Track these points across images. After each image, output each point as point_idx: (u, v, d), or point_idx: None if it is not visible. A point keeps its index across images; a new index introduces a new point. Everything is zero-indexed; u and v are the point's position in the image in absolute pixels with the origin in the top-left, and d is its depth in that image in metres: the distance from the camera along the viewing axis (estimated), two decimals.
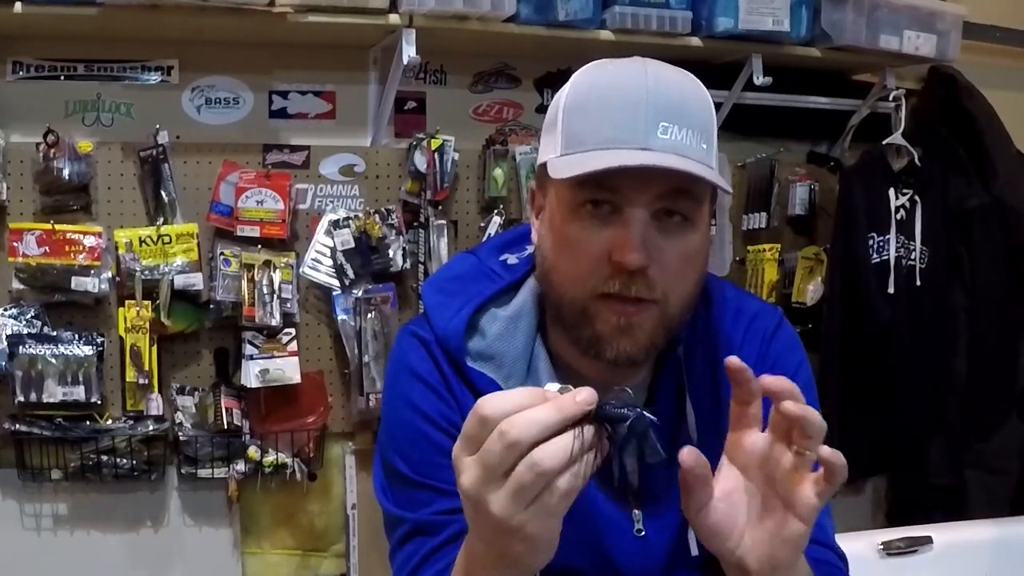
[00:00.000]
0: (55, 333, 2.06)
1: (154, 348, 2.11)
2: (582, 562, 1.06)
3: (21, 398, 2.02)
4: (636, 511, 1.07)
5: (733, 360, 0.85)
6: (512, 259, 1.13)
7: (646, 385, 1.09)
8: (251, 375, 2.14)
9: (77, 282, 2.05)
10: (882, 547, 1.89)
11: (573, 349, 1.03)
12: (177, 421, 2.15)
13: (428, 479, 1.05)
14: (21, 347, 2.02)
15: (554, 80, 2.51)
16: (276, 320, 2.16)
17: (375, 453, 1.15)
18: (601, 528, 1.07)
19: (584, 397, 0.76)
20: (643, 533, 1.07)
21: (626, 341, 0.98)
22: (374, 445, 2.37)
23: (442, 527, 1.03)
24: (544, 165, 1.01)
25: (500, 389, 1.04)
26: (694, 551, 1.07)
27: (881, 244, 2.56)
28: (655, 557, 1.07)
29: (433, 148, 2.27)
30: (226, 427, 2.14)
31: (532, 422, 0.75)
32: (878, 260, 2.55)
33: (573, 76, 1.01)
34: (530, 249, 1.12)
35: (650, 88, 0.95)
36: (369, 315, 2.23)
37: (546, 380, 1.06)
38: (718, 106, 2.43)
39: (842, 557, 1.13)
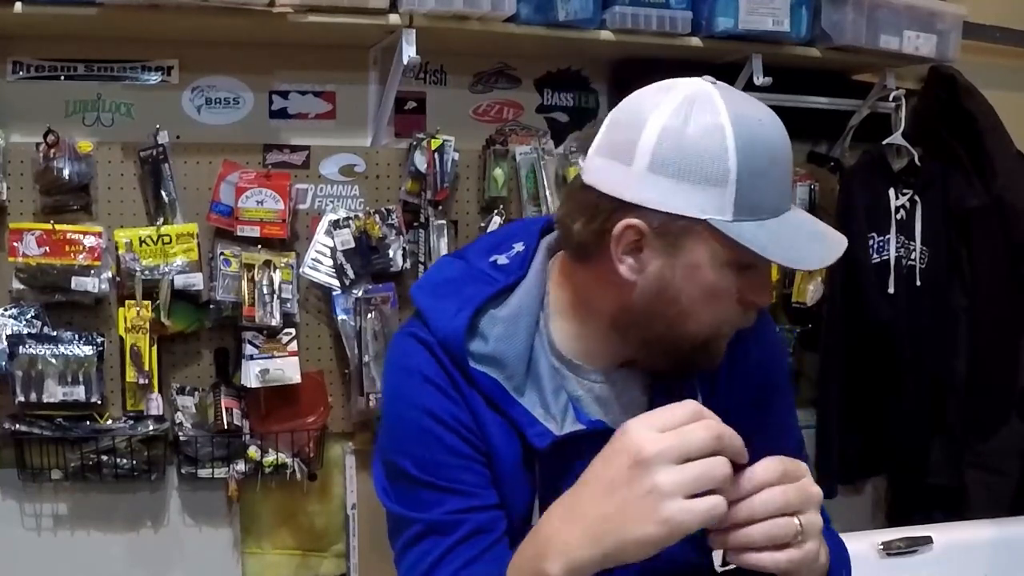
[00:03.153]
0: (55, 333, 2.06)
1: (154, 348, 2.11)
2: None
3: (21, 398, 2.02)
4: None
5: None
6: (502, 259, 1.14)
7: (646, 380, 1.14)
8: (251, 375, 2.14)
9: (77, 282, 2.05)
10: (882, 547, 1.89)
11: (600, 346, 1.09)
12: (177, 421, 2.15)
13: (438, 479, 1.06)
14: (21, 347, 2.02)
15: (554, 80, 2.51)
16: (276, 320, 2.16)
17: (374, 456, 1.15)
18: None
19: None
20: None
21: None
22: (374, 445, 2.38)
23: (455, 526, 1.05)
24: (683, 216, 0.99)
25: (504, 390, 1.07)
26: (717, 564, 1.11)
27: (881, 244, 2.56)
28: (668, 549, 1.09)
29: (433, 148, 2.27)
30: (226, 427, 2.14)
31: (736, 437, 0.89)
32: (878, 260, 2.55)
33: (730, 130, 0.98)
34: (518, 248, 1.14)
35: (787, 152, 1.03)
36: (369, 315, 2.23)
37: (547, 381, 1.09)
38: None
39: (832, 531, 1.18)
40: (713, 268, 1.01)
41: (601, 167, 1.04)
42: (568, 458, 1.06)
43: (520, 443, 1.08)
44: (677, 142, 0.98)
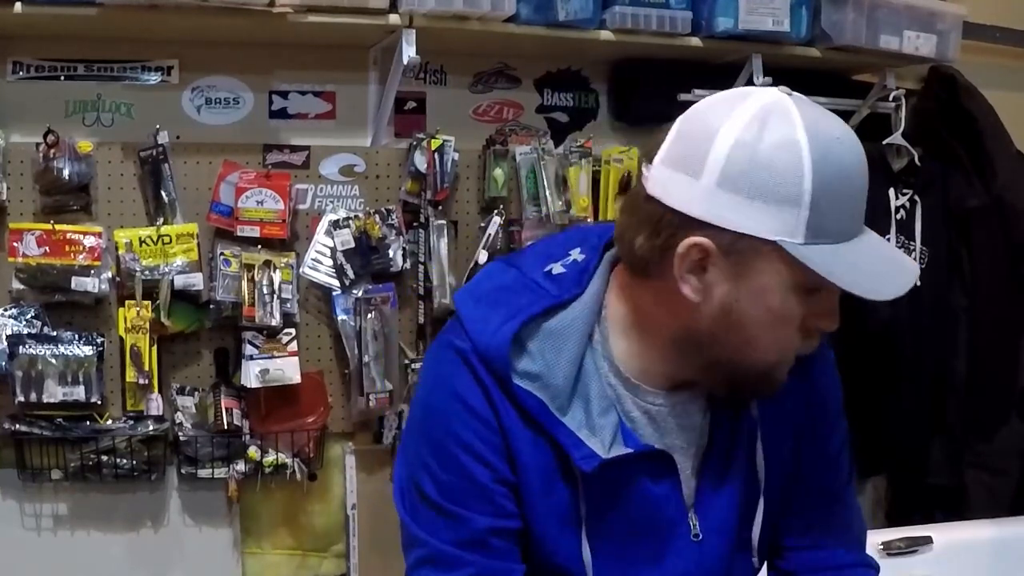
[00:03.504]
0: (55, 333, 2.06)
1: (154, 348, 2.10)
2: (640, 567, 1.08)
3: (21, 398, 2.02)
4: (693, 516, 1.10)
5: None
6: (558, 268, 1.07)
7: (703, 403, 1.10)
8: (251, 375, 2.14)
9: (77, 282, 2.05)
10: (882, 547, 1.89)
11: (662, 367, 1.05)
12: (177, 421, 2.15)
13: (454, 505, 1.03)
14: (21, 347, 2.02)
15: (554, 80, 2.51)
16: (276, 320, 2.16)
17: (398, 456, 1.12)
18: (658, 537, 1.08)
19: None
20: (700, 537, 1.09)
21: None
22: (374, 445, 2.39)
23: (455, 565, 1.02)
24: (754, 236, 0.94)
25: (547, 409, 1.02)
26: (756, 563, 1.13)
27: None
28: (711, 560, 1.10)
29: (433, 148, 2.27)
30: (226, 427, 2.14)
31: None
32: None
33: (807, 150, 0.93)
34: (575, 256, 1.08)
35: (863, 168, 0.98)
36: (369, 315, 2.23)
37: (595, 401, 1.04)
38: None
39: (875, 566, 1.19)
40: (780, 293, 0.96)
41: (667, 179, 0.97)
42: (614, 482, 1.04)
43: (557, 461, 1.04)
44: (750, 157, 0.93)
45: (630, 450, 1.03)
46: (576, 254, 1.08)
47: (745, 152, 0.93)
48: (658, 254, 0.98)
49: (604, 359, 1.05)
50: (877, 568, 1.19)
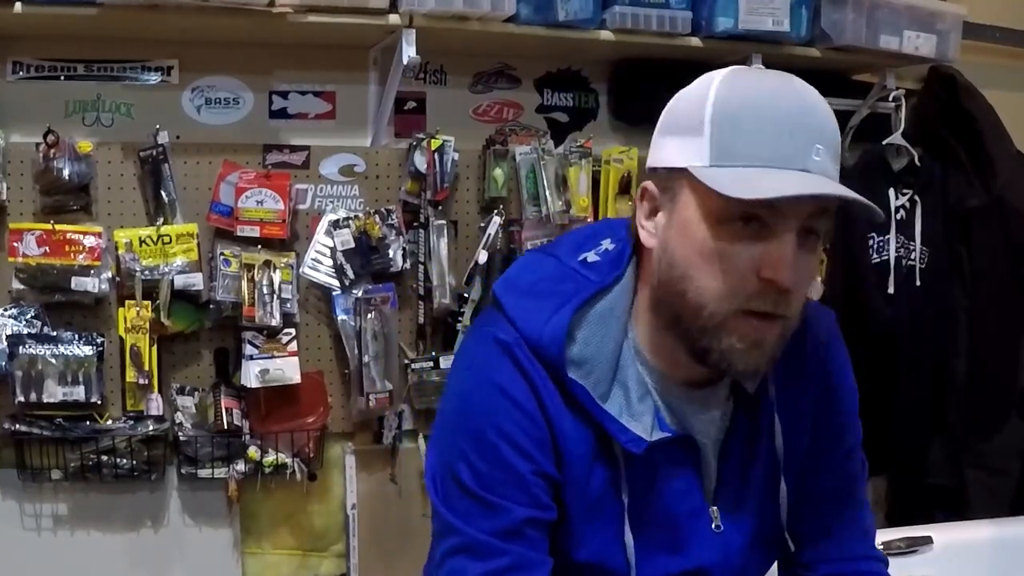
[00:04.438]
0: (55, 333, 2.06)
1: (154, 348, 2.11)
2: (664, 557, 1.09)
3: (21, 398, 2.02)
4: (713, 507, 1.11)
5: None
6: (592, 256, 1.09)
7: (728, 383, 1.10)
8: (251, 375, 2.14)
9: (77, 282, 2.05)
10: (882, 547, 1.88)
11: (681, 353, 1.03)
12: (177, 421, 2.15)
13: (492, 495, 1.03)
14: (21, 347, 2.02)
15: (554, 80, 2.51)
16: (276, 320, 2.16)
17: (431, 447, 1.11)
18: (684, 527, 1.09)
19: None
20: (721, 529, 1.11)
21: (756, 354, 0.99)
22: (374, 445, 2.39)
23: (493, 554, 1.02)
24: (673, 168, 0.99)
25: (591, 397, 1.03)
26: (792, 547, 1.15)
27: (881, 244, 2.56)
28: (734, 552, 1.11)
29: (433, 148, 2.27)
30: (226, 427, 2.14)
31: None
32: (878, 260, 2.55)
33: (716, 83, 0.98)
34: (606, 245, 1.09)
35: (805, 107, 0.97)
36: (369, 315, 2.23)
37: (633, 386, 1.05)
38: None
39: (883, 560, 1.21)
40: (706, 222, 0.96)
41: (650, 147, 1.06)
42: (651, 464, 1.05)
43: (597, 446, 1.05)
44: (674, 101, 1.02)
45: (668, 435, 1.05)
46: (607, 243, 1.10)
47: (673, 99, 1.03)
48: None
49: (635, 347, 1.07)
50: (886, 562, 1.20)
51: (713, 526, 1.10)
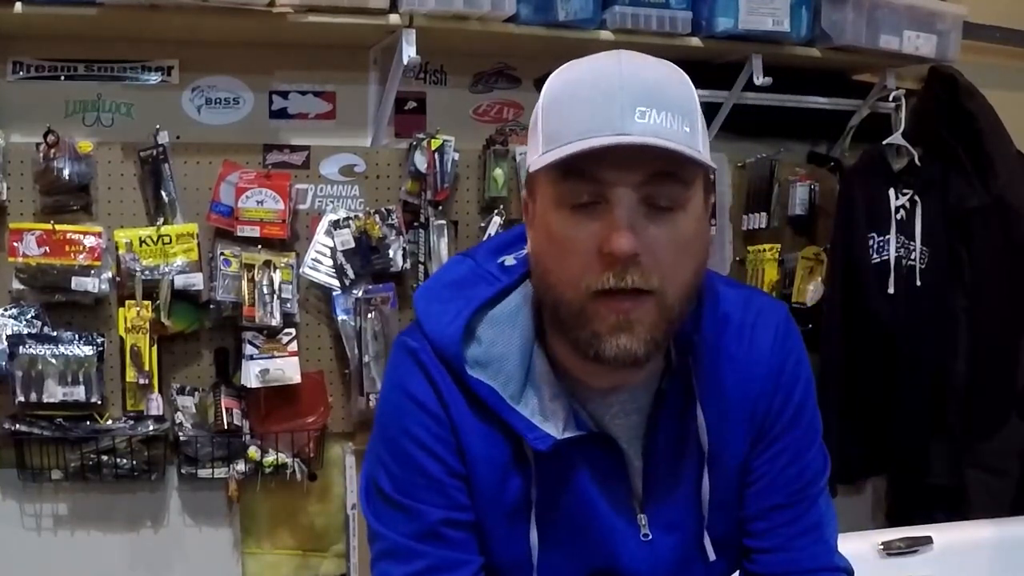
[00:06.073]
0: (55, 333, 2.06)
1: (154, 348, 2.11)
2: (575, 560, 1.07)
3: (21, 398, 2.02)
4: (641, 515, 1.08)
5: None
6: (510, 260, 1.08)
7: (652, 389, 1.06)
8: (251, 375, 2.14)
9: (77, 282, 2.05)
10: (882, 547, 1.89)
11: (573, 354, 1.00)
12: (177, 421, 2.15)
13: (407, 498, 1.04)
14: (21, 347, 2.02)
15: None
16: (276, 320, 2.16)
17: (365, 456, 1.14)
18: (607, 534, 1.07)
19: None
20: (649, 537, 1.08)
21: (625, 338, 0.94)
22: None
23: (412, 557, 1.03)
24: (529, 170, 1.00)
25: (499, 397, 1.02)
26: (712, 556, 1.09)
27: (881, 244, 2.55)
28: (664, 561, 1.08)
29: (433, 148, 2.27)
30: (226, 427, 2.14)
31: None
32: (878, 260, 2.55)
33: (549, 77, 0.99)
34: (527, 250, 1.08)
35: (624, 75, 0.93)
36: (369, 315, 2.23)
37: (545, 387, 1.03)
38: (718, 107, 2.43)
39: (848, 569, 1.13)
40: (547, 210, 0.96)
41: None
42: (565, 464, 1.04)
43: (511, 450, 1.04)
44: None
45: (583, 432, 1.03)
46: (527, 249, 1.08)
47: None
48: None
49: (545, 348, 1.05)
50: (851, 572, 1.13)
51: (641, 535, 1.07)
